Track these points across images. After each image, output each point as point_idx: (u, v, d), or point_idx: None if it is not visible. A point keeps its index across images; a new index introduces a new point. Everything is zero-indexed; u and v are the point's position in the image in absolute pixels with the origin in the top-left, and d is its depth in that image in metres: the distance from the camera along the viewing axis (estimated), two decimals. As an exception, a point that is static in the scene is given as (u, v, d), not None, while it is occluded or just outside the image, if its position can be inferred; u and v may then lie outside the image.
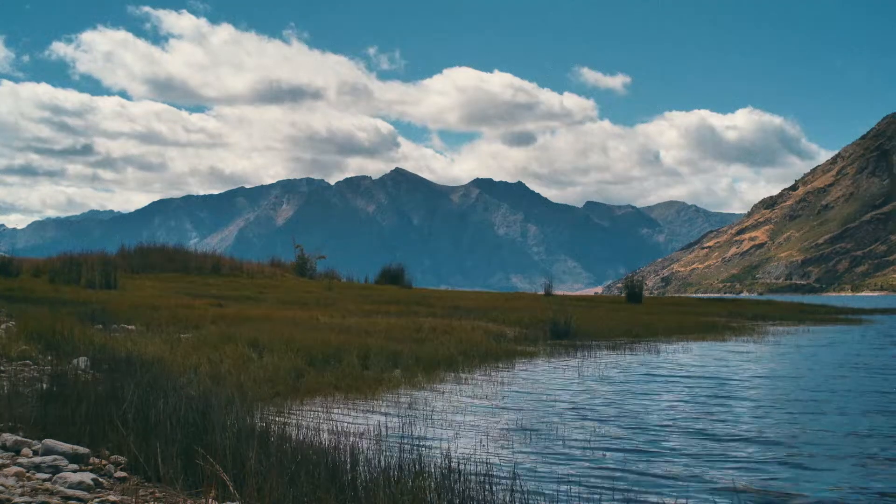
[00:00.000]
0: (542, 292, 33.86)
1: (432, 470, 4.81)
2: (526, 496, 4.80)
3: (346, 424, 7.17)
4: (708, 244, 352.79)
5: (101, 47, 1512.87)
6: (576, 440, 7.27)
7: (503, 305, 22.95)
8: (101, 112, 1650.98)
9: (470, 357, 12.52)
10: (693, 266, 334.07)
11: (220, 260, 31.44)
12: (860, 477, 6.22)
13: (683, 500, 5.42)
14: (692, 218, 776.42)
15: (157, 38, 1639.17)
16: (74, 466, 4.93)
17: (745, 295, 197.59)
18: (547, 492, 5.37)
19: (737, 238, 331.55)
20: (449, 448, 5.78)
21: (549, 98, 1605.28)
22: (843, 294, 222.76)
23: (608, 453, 6.80)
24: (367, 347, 11.62)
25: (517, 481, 4.89)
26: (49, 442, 5.18)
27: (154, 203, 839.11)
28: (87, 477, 4.65)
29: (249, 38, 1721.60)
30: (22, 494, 4.33)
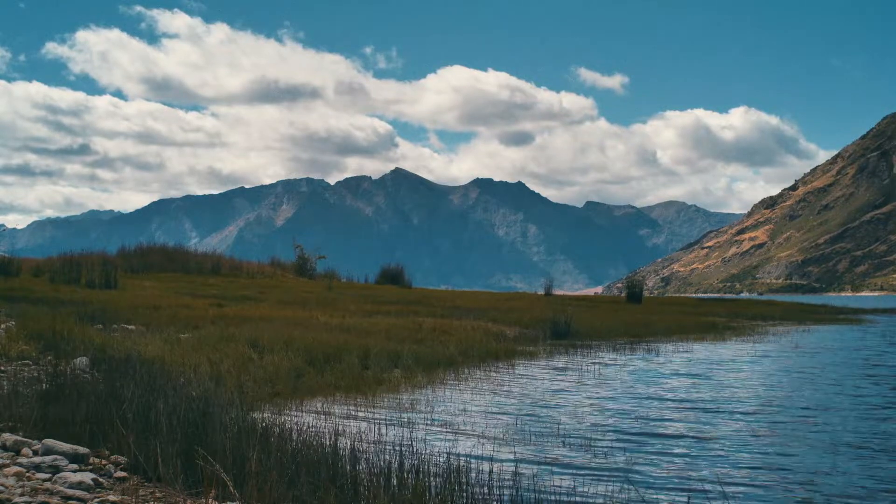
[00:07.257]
0: (541, 292, 33.87)
1: (433, 470, 4.81)
2: (527, 495, 4.80)
3: (346, 424, 7.17)
4: (708, 244, 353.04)
5: (96, 47, 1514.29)
6: (576, 439, 7.26)
7: (503, 305, 22.95)
8: (97, 111, 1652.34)
9: (470, 357, 12.51)
10: (693, 266, 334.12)
11: (220, 260, 31.46)
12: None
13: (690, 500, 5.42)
14: (692, 218, 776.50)
15: (153, 37, 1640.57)
16: (74, 466, 4.92)
17: (744, 295, 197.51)
18: (548, 491, 5.36)
19: (737, 238, 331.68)
20: (450, 448, 5.78)
21: (546, 98, 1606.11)
22: (843, 294, 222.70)
23: (609, 452, 6.79)
24: (367, 347, 11.60)
25: (518, 481, 4.89)
26: (49, 442, 5.17)
27: (154, 203, 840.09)
28: (87, 477, 4.65)
29: (245, 38, 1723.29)
30: (22, 494, 4.32)
